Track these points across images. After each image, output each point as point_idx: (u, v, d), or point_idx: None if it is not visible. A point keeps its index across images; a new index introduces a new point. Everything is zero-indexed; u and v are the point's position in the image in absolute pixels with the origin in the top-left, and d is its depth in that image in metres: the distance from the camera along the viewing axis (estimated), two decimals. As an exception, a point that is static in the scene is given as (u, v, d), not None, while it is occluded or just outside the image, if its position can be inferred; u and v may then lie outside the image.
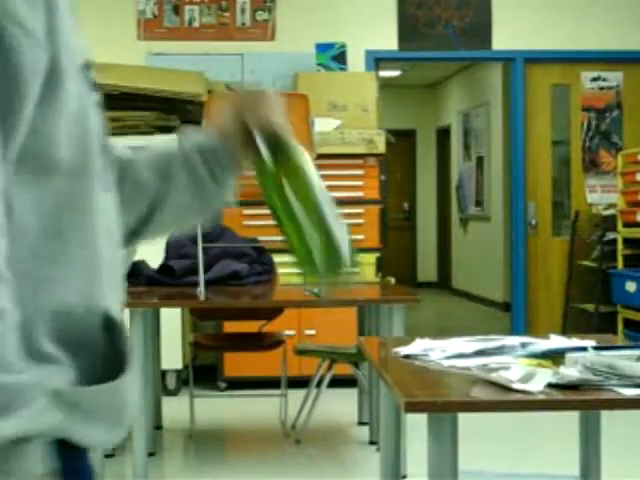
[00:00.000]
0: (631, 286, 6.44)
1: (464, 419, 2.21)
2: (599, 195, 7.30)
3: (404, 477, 3.97)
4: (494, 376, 2.14)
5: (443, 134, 13.22)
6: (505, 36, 7.00)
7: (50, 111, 1.01)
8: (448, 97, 12.91)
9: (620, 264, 6.75)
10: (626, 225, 6.71)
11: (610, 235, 6.88)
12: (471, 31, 6.99)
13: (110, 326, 1.08)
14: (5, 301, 0.93)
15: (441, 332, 8.64)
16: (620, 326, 6.70)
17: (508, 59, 7.27)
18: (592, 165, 7.34)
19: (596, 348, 2.43)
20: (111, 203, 1.13)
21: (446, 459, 2.10)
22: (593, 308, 6.95)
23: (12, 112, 0.97)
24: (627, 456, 4.48)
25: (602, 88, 7.28)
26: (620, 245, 6.75)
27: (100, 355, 1.07)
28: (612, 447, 3.55)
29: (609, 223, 6.90)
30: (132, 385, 1.10)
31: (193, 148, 1.35)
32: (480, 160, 11.26)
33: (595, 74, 7.26)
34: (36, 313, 1.00)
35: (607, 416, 2.94)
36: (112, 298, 1.10)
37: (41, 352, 1.00)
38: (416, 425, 2.80)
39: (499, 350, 2.48)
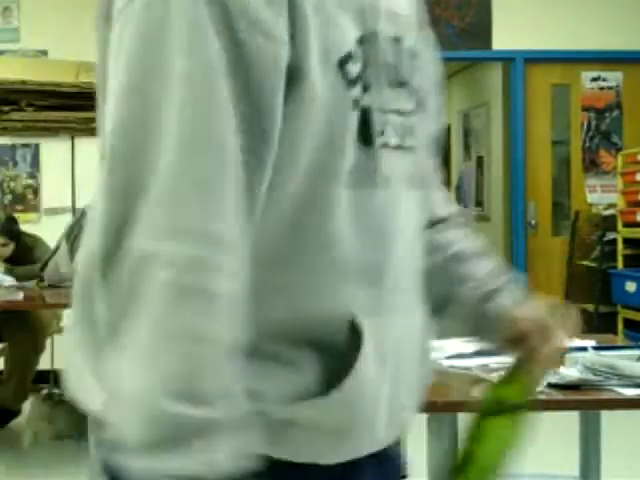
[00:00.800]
0: (631, 286, 6.44)
1: (464, 419, 2.21)
2: (599, 195, 7.29)
3: (404, 477, 3.96)
4: (494, 376, 2.14)
5: (443, 134, 13.22)
6: (505, 36, 7.00)
7: (292, 113, 0.94)
8: (448, 97, 12.91)
9: (620, 264, 6.74)
10: (626, 225, 6.71)
11: (610, 235, 6.87)
12: (471, 31, 6.98)
13: (352, 329, 1.01)
14: (222, 327, 0.87)
15: (441, 332, 8.62)
16: (620, 326, 6.70)
17: (508, 59, 7.27)
18: (592, 165, 7.34)
19: (596, 348, 2.43)
20: (382, 203, 1.04)
21: (446, 459, 2.11)
22: (593, 308, 6.94)
23: (258, 119, 0.92)
24: (627, 456, 4.48)
25: (602, 88, 7.27)
26: (620, 245, 6.75)
27: (334, 358, 1.01)
28: (612, 447, 3.55)
29: (609, 223, 6.90)
30: (376, 391, 1.04)
31: (480, 299, 1.29)
32: (480, 160, 11.26)
33: (595, 74, 7.26)
34: (271, 318, 0.98)
35: (607, 416, 2.93)
36: (365, 302, 1.03)
37: (278, 355, 0.98)
38: (416, 425, 2.79)
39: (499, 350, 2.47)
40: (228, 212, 0.89)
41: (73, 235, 4.86)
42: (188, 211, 0.87)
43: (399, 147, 1.07)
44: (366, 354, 1.01)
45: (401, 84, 1.08)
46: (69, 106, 6.08)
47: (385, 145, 1.04)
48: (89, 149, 6.20)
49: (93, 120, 6.12)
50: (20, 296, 4.49)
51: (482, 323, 1.30)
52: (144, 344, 0.86)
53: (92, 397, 0.96)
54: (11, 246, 5.38)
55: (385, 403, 1.07)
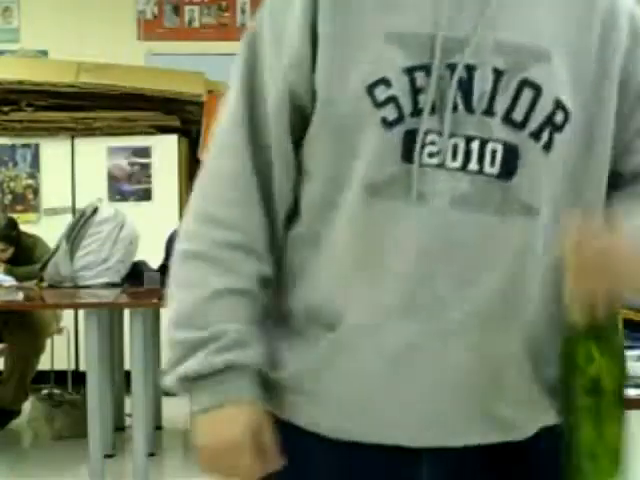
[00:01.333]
0: (631, 286, 6.44)
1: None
2: (599, 195, 7.29)
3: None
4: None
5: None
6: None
7: (315, 129, 1.17)
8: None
9: (620, 264, 6.73)
10: (626, 225, 6.70)
11: (610, 235, 6.87)
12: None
13: (340, 323, 1.17)
14: (226, 284, 1.19)
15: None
16: (620, 326, 6.69)
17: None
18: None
19: (596, 348, 2.42)
20: (416, 216, 1.12)
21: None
22: (593, 308, 6.94)
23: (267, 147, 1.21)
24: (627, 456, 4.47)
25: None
26: (620, 245, 6.74)
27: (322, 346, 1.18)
28: (612, 447, 3.55)
29: (609, 223, 6.89)
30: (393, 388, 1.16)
31: None
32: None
33: (595, 74, 7.25)
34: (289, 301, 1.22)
35: (607, 416, 2.93)
36: (359, 303, 1.15)
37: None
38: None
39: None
40: (235, 201, 1.20)
41: (73, 235, 4.86)
42: (204, 199, 1.24)
43: (441, 166, 1.13)
44: (352, 346, 1.16)
45: (453, 109, 1.13)
46: (69, 106, 6.08)
47: (428, 164, 1.12)
48: (89, 149, 6.20)
49: (93, 120, 6.12)
50: (20, 296, 4.49)
51: None
52: (170, 290, 1.23)
53: None
54: (10, 250, 5.37)
55: (402, 400, 1.15)
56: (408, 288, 1.13)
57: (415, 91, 1.12)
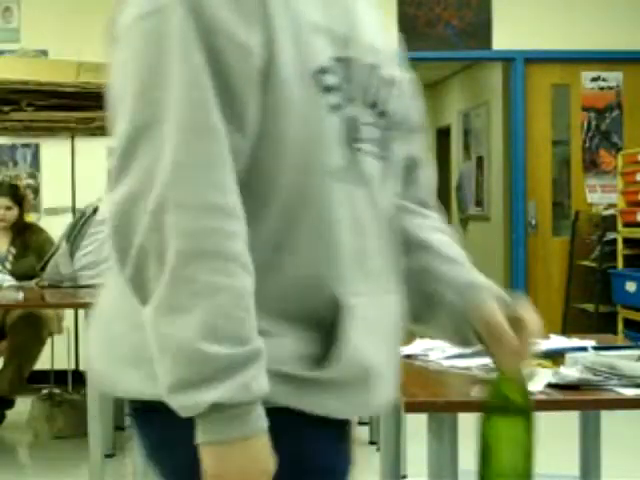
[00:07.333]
0: (631, 286, 6.44)
1: (464, 419, 2.21)
2: (599, 195, 7.29)
3: (404, 477, 3.97)
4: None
5: (443, 134, 13.22)
6: (505, 36, 7.00)
7: (271, 111, 1.15)
8: (448, 97, 12.90)
9: (620, 264, 6.74)
10: (626, 225, 6.71)
11: (610, 235, 6.87)
12: (471, 31, 6.98)
13: (335, 309, 1.18)
14: (247, 283, 1.09)
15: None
16: (620, 326, 6.70)
17: (508, 59, 7.26)
18: (592, 165, 7.34)
19: (596, 348, 2.43)
20: (364, 198, 1.23)
21: (446, 459, 2.11)
22: (593, 308, 6.94)
23: (236, 112, 1.13)
24: (627, 456, 4.48)
25: (602, 88, 7.27)
26: (620, 245, 6.74)
27: (324, 333, 1.18)
28: (612, 447, 3.55)
29: (609, 223, 6.90)
30: (381, 355, 1.24)
31: (454, 296, 1.35)
32: (480, 160, 11.25)
33: (595, 74, 7.26)
34: (262, 294, 1.12)
35: (607, 416, 2.93)
36: (354, 283, 1.20)
37: (260, 329, 1.11)
38: (416, 425, 2.79)
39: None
40: (229, 187, 1.11)
41: (73, 235, 4.86)
42: (197, 187, 1.09)
43: (375, 154, 1.26)
44: (355, 328, 1.18)
45: (375, 105, 1.26)
46: (69, 106, 6.08)
47: (366, 150, 1.24)
48: (89, 149, 6.20)
49: (93, 120, 6.12)
50: (20, 296, 4.49)
51: (461, 322, 1.36)
52: (175, 299, 1.07)
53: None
54: (15, 211, 5.35)
55: (381, 372, 1.25)
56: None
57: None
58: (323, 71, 1.18)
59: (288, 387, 1.14)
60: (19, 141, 6.22)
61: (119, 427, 4.91)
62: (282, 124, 1.15)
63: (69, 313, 5.69)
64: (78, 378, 5.36)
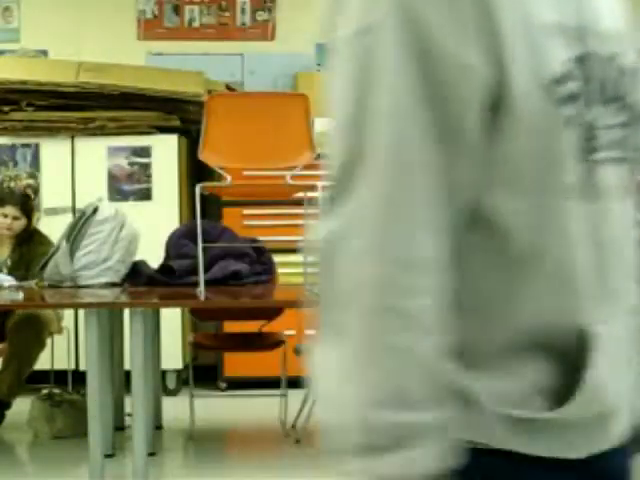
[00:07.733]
0: (631, 286, 6.43)
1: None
2: None
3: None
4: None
5: None
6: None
7: (502, 136, 1.02)
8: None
9: None
10: None
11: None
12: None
13: (581, 342, 1.07)
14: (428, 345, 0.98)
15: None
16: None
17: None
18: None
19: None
20: (600, 213, 1.10)
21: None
22: None
23: (455, 141, 1.00)
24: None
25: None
26: None
27: (566, 363, 1.07)
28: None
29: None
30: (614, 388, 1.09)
31: None
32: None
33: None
34: (491, 336, 1.04)
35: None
36: (597, 309, 1.09)
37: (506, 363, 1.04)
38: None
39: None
40: (425, 234, 0.99)
41: (73, 235, 4.86)
42: (391, 238, 0.99)
43: (614, 159, 1.12)
44: (600, 358, 1.07)
45: (615, 99, 1.12)
46: (69, 106, 6.09)
47: (602, 159, 1.09)
48: (89, 149, 6.20)
49: (93, 120, 6.12)
50: (20, 296, 4.49)
51: None
52: (353, 359, 0.99)
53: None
54: (22, 221, 5.37)
55: (620, 406, 1.12)
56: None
57: None
58: (559, 80, 1.04)
59: (517, 429, 1.05)
60: (19, 141, 6.22)
61: (119, 427, 4.91)
62: (513, 149, 1.02)
63: (69, 313, 5.70)
64: (78, 378, 5.36)
